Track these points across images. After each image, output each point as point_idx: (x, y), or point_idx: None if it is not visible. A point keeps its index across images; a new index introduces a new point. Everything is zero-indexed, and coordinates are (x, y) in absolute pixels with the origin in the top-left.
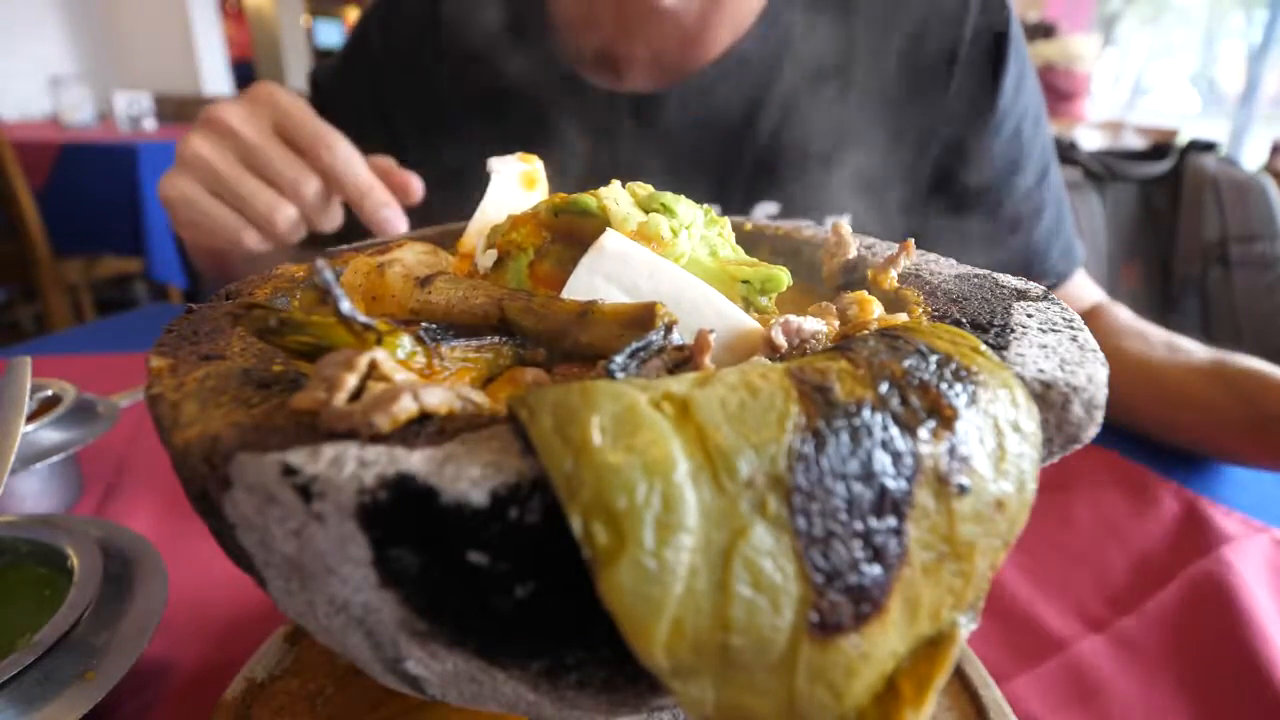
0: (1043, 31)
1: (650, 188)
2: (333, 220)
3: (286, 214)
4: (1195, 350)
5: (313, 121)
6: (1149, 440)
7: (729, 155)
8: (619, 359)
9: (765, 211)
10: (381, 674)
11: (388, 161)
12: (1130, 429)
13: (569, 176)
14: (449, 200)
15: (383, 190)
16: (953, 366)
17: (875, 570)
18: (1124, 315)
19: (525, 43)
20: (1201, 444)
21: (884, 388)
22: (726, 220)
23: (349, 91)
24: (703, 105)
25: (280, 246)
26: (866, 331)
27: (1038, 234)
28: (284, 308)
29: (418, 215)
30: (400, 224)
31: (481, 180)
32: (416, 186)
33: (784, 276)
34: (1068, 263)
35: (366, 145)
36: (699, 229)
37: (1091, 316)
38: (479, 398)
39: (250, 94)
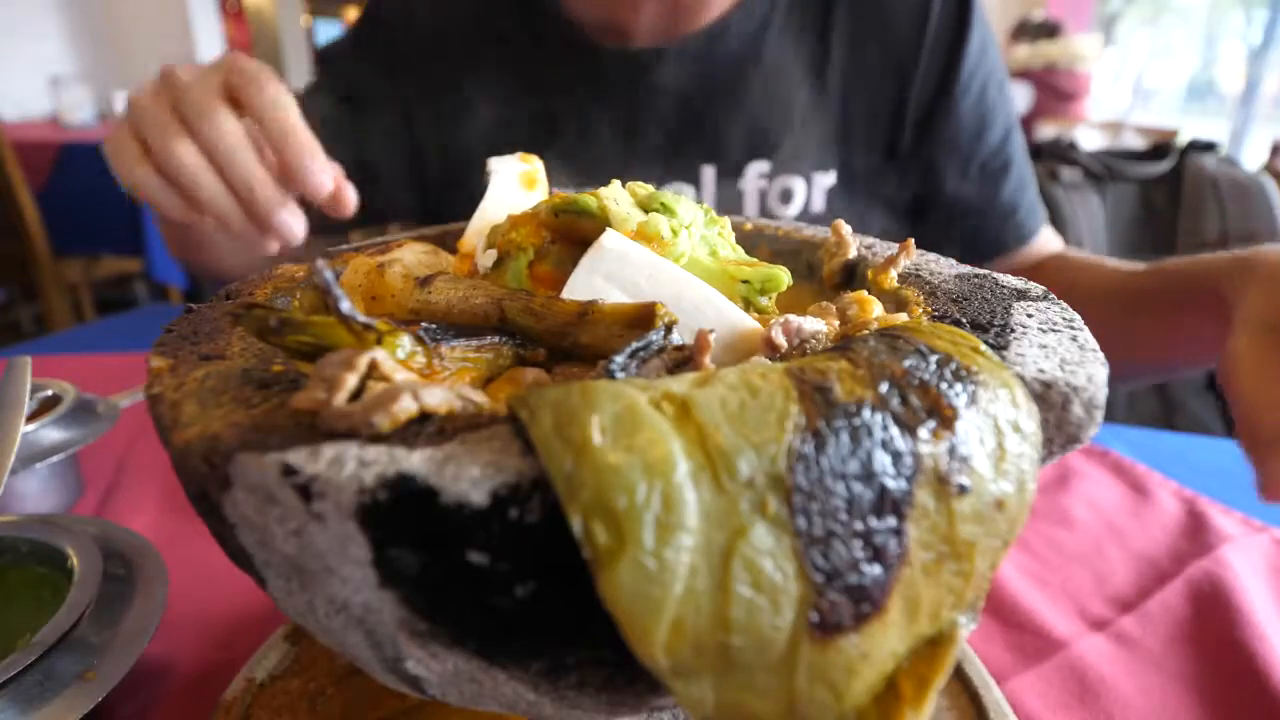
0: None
1: (650, 188)
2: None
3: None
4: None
5: (257, 71)
6: (1149, 440)
7: (725, 114)
8: (619, 359)
9: (757, 170)
10: (381, 674)
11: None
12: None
13: (568, 135)
14: (460, 178)
15: (306, 134)
16: (953, 366)
17: (875, 570)
18: (1084, 253)
19: (529, 4)
20: (1155, 346)
21: (884, 388)
22: (726, 220)
23: (361, 65)
24: (699, 64)
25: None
26: (866, 331)
27: (1006, 191)
28: (284, 308)
29: (437, 188)
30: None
31: (493, 151)
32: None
33: (784, 276)
34: (1034, 220)
35: (378, 119)
36: (699, 229)
37: (1054, 259)
38: (479, 398)
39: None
